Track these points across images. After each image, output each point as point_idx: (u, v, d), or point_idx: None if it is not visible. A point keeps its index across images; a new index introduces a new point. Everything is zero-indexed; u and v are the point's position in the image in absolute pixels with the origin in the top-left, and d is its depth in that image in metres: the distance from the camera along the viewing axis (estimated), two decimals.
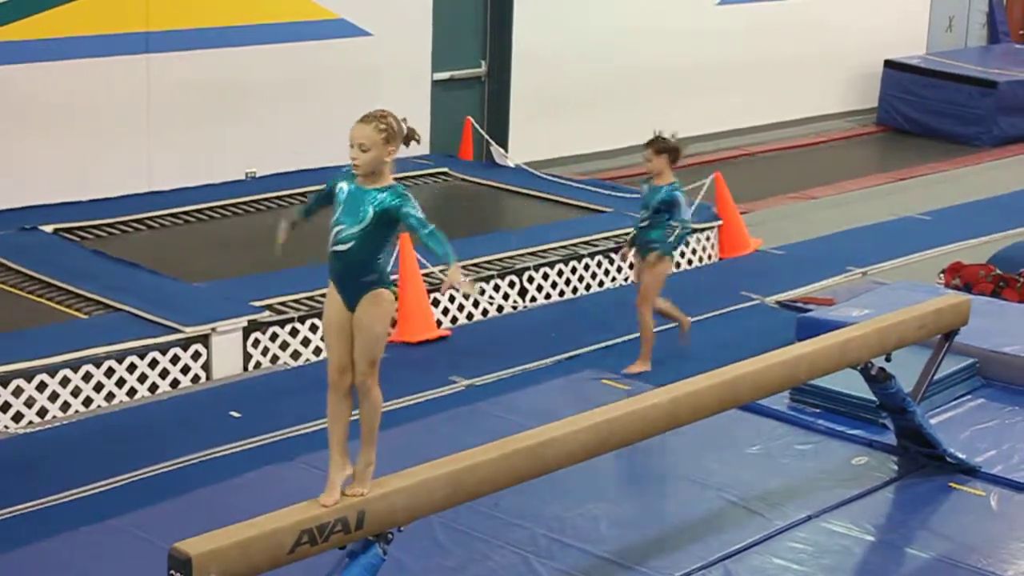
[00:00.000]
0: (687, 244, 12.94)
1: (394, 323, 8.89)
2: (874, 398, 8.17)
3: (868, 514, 7.66)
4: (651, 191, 9.80)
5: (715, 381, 6.98)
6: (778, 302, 11.70)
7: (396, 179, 12.60)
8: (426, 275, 10.83)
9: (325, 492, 5.59)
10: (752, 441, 8.53)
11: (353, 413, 5.85)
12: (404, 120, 5.75)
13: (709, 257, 13.22)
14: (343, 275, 5.65)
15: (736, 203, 13.57)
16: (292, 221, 6.07)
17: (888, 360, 7.78)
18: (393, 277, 10.27)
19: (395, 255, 8.32)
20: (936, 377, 8.46)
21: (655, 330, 9.95)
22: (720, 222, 13.31)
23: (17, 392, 8.84)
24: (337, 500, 5.57)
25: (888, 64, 20.12)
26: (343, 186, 5.68)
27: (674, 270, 12.16)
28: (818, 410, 8.89)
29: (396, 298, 5.79)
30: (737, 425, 8.61)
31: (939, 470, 8.18)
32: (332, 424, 5.81)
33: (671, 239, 9.74)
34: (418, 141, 5.89)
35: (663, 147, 9.78)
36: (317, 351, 10.11)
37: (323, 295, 5.71)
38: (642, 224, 9.85)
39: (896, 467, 8.27)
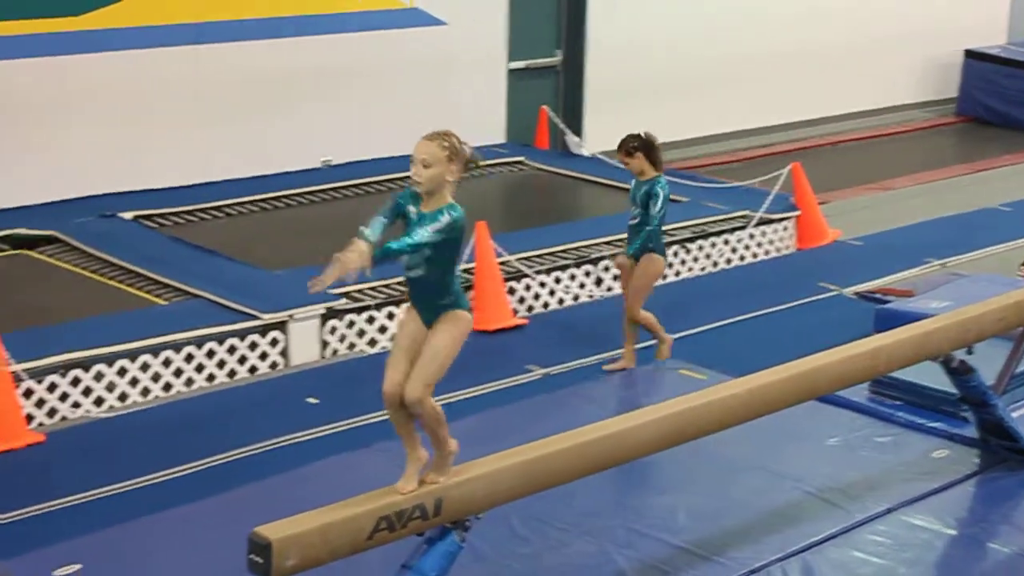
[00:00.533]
0: (764, 235, 12.88)
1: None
2: (955, 391, 8.08)
3: (949, 508, 7.57)
4: (636, 186, 9.58)
5: (793, 372, 6.93)
6: (856, 293, 11.61)
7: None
8: (502, 263, 10.84)
9: (402, 479, 5.60)
10: (831, 433, 8.46)
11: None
12: (467, 144, 5.69)
13: (787, 248, 13.14)
14: (419, 299, 5.70)
15: (814, 193, 13.47)
16: (370, 255, 5.73)
17: (970, 353, 7.70)
18: (464, 267, 10.41)
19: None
20: (1017, 370, 8.36)
21: (636, 346, 9.74)
22: (798, 212, 13.22)
23: (98, 377, 8.92)
24: (414, 488, 5.58)
25: (969, 54, 19.90)
26: (413, 210, 5.65)
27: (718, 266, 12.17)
28: (898, 402, 8.81)
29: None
30: (816, 417, 8.53)
31: (1021, 464, 8.08)
32: (398, 430, 5.78)
33: (641, 239, 9.48)
34: (478, 166, 5.82)
35: (632, 147, 9.43)
36: (394, 337, 10.13)
37: (399, 283, 5.72)
38: (632, 221, 9.63)
39: (977, 461, 8.17)
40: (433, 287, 5.62)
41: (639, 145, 9.40)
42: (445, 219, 5.52)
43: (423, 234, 5.50)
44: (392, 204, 5.73)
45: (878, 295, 11.40)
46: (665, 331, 9.71)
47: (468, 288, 10.60)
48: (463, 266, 10.57)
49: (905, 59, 19.79)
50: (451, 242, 5.60)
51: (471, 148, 5.70)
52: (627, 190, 13.73)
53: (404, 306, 5.77)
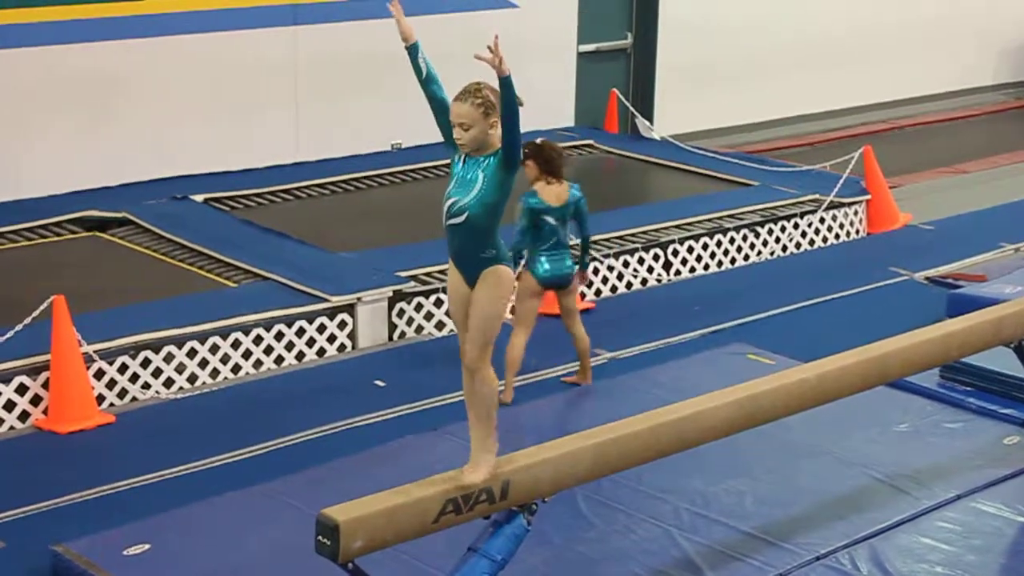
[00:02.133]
0: (834, 219, 12.79)
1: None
2: None
3: (1019, 495, 7.48)
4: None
5: (863, 357, 6.89)
6: (928, 278, 11.51)
7: None
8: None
9: (468, 466, 5.59)
10: (900, 419, 8.40)
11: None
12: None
13: (857, 232, 13.05)
14: (461, 250, 5.62)
15: (885, 177, 13.36)
16: (413, 41, 6.17)
17: None
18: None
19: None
20: None
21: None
22: (869, 196, 13.12)
23: (168, 358, 8.99)
24: (489, 474, 5.55)
25: None
26: (457, 158, 5.66)
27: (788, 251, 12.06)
28: (969, 388, 8.73)
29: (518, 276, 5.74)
30: (885, 402, 8.47)
31: None
32: (468, 400, 5.75)
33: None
34: (520, 105, 5.69)
35: (524, 153, 8.44)
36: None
37: None
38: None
39: None
40: (479, 235, 5.55)
41: (528, 152, 8.63)
42: None
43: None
44: (445, 104, 5.73)
45: (950, 280, 11.31)
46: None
47: None
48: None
49: (979, 41, 19.59)
50: (508, 184, 5.57)
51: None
52: (699, 174, 13.83)
53: (448, 267, 5.70)
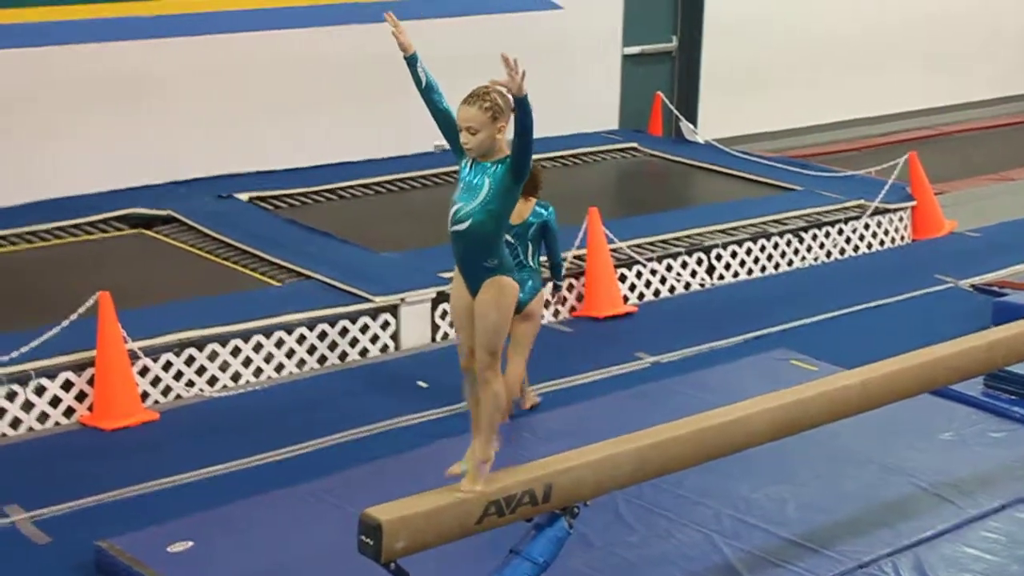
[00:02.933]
0: (879, 225, 12.75)
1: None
2: None
3: None
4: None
5: (908, 365, 6.87)
6: (973, 286, 11.45)
7: (587, 153, 12.63)
8: (613, 250, 10.81)
9: (466, 479, 5.52)
10: (944, 427, 8.36)
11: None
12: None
13: (902, 238, 12.99)
14: (464, 257, 5.58)
15: (931, 183, 13.30)
16: (411, 52, 6.20)
17: None
18: (576, 253, 10.39)
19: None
20: None
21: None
22: (914, 203, 13.07)
23: (212, 357, 9.03)
24: (482, 489, 5.47)
25: None
26: (465, 163, 5.60)
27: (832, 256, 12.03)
28: (1014, 397, 8.66)
29: (527, 288, 5.68)
30: (929, 410, 8.44)
31: None
32: (472, 408, 5.73)
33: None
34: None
35: None
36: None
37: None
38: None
39: None
40: (482, 244, 5.51)
41: None
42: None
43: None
44: (451, 114, 5.67)
45: (996, 287, 11.25)
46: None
47: (579, 274, 10.60)
48: (574, 252, 10.57)
49: None
50: (515, 193, 5.53)
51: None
52: (743, 178, 13.80)
53: (452, 274, 5.69)
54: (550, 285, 8.63)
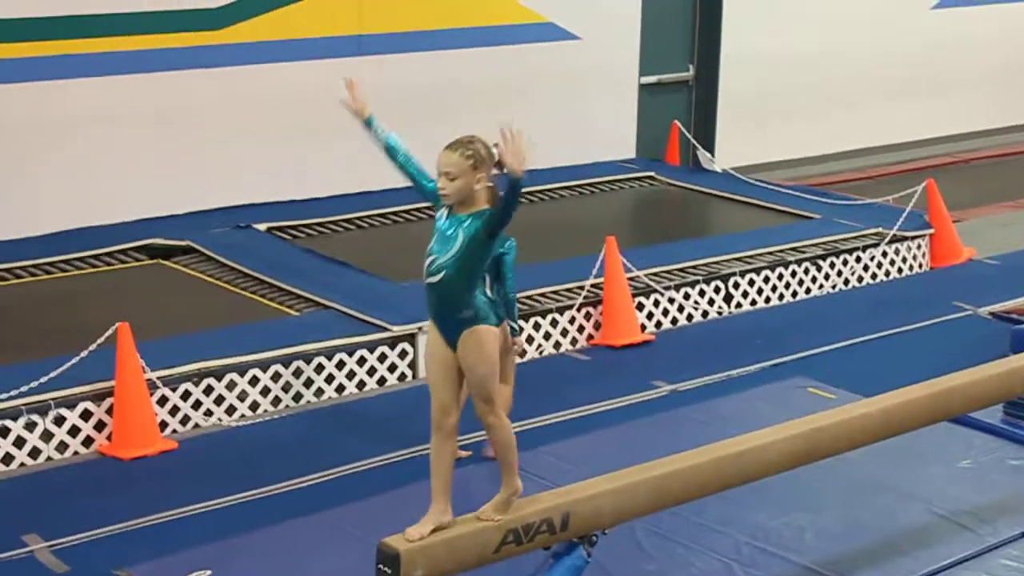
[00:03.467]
0: (897, 253, 12.74)
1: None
2: None
3: None
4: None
5: (926, 392, 6.88)
6: (992, 313, 11.42)
7: (604, 182, 12.65)
8: (631, 279, 10.82)
9: (418, 523, 5.46)
10: (963, 455, 8.36)
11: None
12: (495, 145, 5.50)
13: (920, 266, 12.97)
14: (439, 310, 5.53)
15: (949, 211, 13.27)
16: (369, 119, 6.18)
17: None
18: (594, 282, 10.40)
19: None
20: None
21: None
22: (932, 230, 13.04)
23: (231, 386, 9.05)
24: (423, 536, 5.38)
25: None
26: (442, 213, 5.55)
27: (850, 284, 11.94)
28: None
29: (501, 329, 5.56)
30: (947, 438, 8.43)
31: None
32: (436, 466, 5.62)
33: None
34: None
35: None
36: (522, 353, 10.16)
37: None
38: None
39: None
40: (455, 296, 5.46)
41: None
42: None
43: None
44: (426, 185, 5.67)
45: (1014, 315, 11.21)
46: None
47: (597, 303, 10.61)
48: (592, 280, 10.58)
49: None
50: (489, 248, 5.46)
51: (498, 148, 5.50)
52: (761, 207, 13.80)
53: (427, 324, 5.62)
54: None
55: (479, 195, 5.48)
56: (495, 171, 5.52)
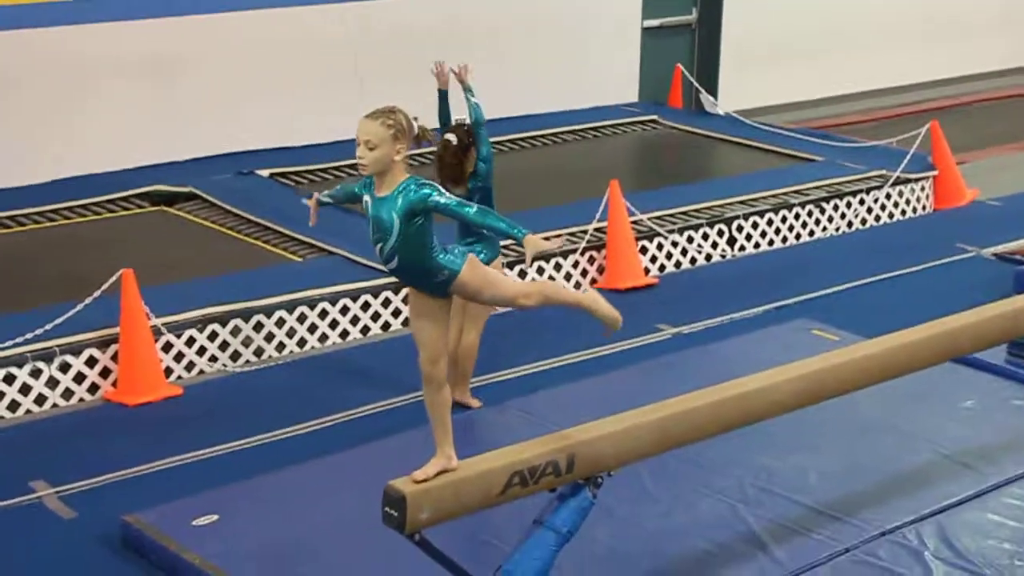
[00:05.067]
0: (900, 195, 12.74)
1: None
2: None
3: None
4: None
5: (930, 333, 6.87)
6: (995, 254, 11.44)
7: (607, 126, 12.55)
8: (634, 222, 10.83)
9: (424, 467, 5.41)
10: (967, 395, 8.35)
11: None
12: (416, 118, 5.38)
13: (924, 208, 12.98)
14: (413, 283, 5.46)
15: (952, 153, 13.27)
16: (320, 201, 5.91)
17: None
18: (598, 225, 10.40)
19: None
20: None
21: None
22: (936, 172, 13.05)
23: (235, 332, 9.08)
24: (429, 478, 5.35)
25: None
26: (367, 200, 5.39)
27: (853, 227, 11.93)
28: None
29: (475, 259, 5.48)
30: (951, 378, 8.43)
31: None
32: (434, 416, 5.56)
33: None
34: (430, 141, 5.50)
35: None
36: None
37: (547, 237, 5.52)
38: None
39: None
40: (419, 271, 5.38)
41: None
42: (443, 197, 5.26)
43: (441, 196, 5.25)
44: (354, 189, 5.56)
45: (1018, 256, 11.23)
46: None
47: (600, 247, 10.62)
48: (596, 224, 10.58)
49: None
50: (424, 219, 5.29)
51: (420, 122, 5.38)
52: (765, 150, 13.78)
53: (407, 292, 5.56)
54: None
55: (397, 167, 5.29)
56: (414, 144, 5.36)
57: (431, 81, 8.29)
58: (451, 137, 8.06)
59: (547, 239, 5.38)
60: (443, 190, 5.29)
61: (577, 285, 10.49)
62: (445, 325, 5.53)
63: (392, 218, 5.28)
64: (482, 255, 7.66)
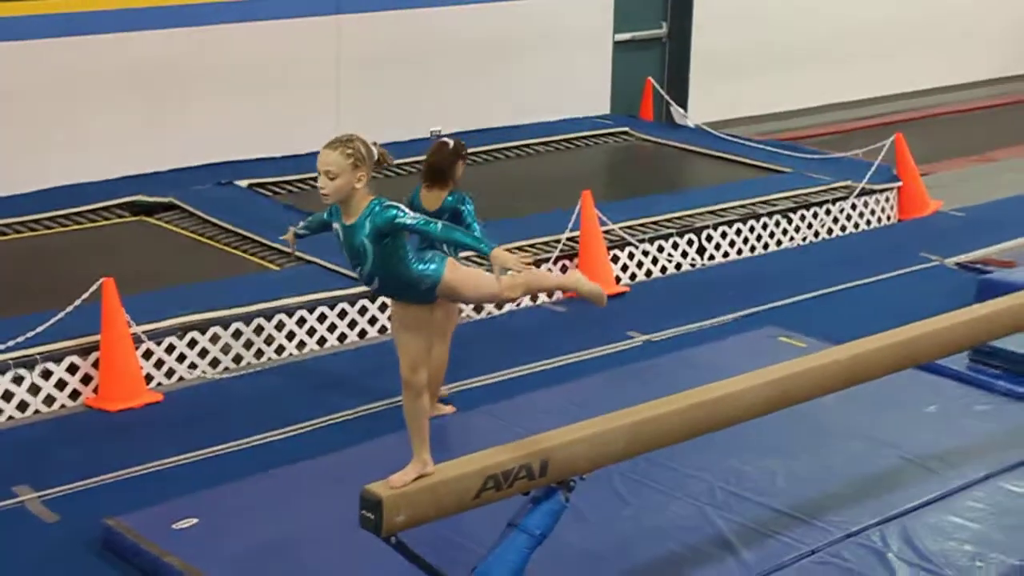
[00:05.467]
0: (866, 205, 12.90)
1: None
2: None
3: None
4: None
5: (895, 340, 6.94)
6: (958, 264, 11.59)
7: (579, 137, 12.63)
8: (606, 232, 10.96)
9: (401, 472, 5.50)
10: (930, 401, 8.47)
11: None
12: (375, 144, 5.47)
13: (888, 218, 13.14)
14: (400, 298, 5.55)
15: (916, 164, 13.41)
16: (297, 234, 6.11)
17: None
18: (570, 235, 10.51)
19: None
20: None
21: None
22: (900, 183, 13.21)
23: (214, 339, 9.18)
24: (406, 483, 5.43)
25: None
26: (337, 227, 5.46)
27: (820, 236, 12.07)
28: (998, 371, 8.79)
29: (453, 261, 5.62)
30: (915, 384, 8.54)
31: None
32: (411, 423, 5.67)
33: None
34: (390, 164, 5.58)
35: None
36: (499, 304, 10.33)
37: (507, 250, 5.58)
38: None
39: None
40: (401, 286, 5.46)
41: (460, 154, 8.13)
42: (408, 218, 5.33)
43: (405, 217, 5.32)
44: (324, 217, 5.68)
45: (980, 265, 11.38)
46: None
47: (573, 256, 10.75)
48: (568, 234, 10.72)
49: (1009, 30, 19.57)
50: (397, 236, 5.36)
51: (379, 147, 5.46)
52: (733, 161, 13.93)
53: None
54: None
55: (360, 193, 5.35)
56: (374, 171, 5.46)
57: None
58: (448, 141, 8.12)
59: (510, 251, 5.43)
60: (407, 210, 5.34)
61: (551, 293, 10.63)
62: (428, 333, 5.62)
63: (363, 243, 5.36)
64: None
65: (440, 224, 5.40)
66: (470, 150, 13.20)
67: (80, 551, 6.83)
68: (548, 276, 6.09)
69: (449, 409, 8.35)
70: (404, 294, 5.51)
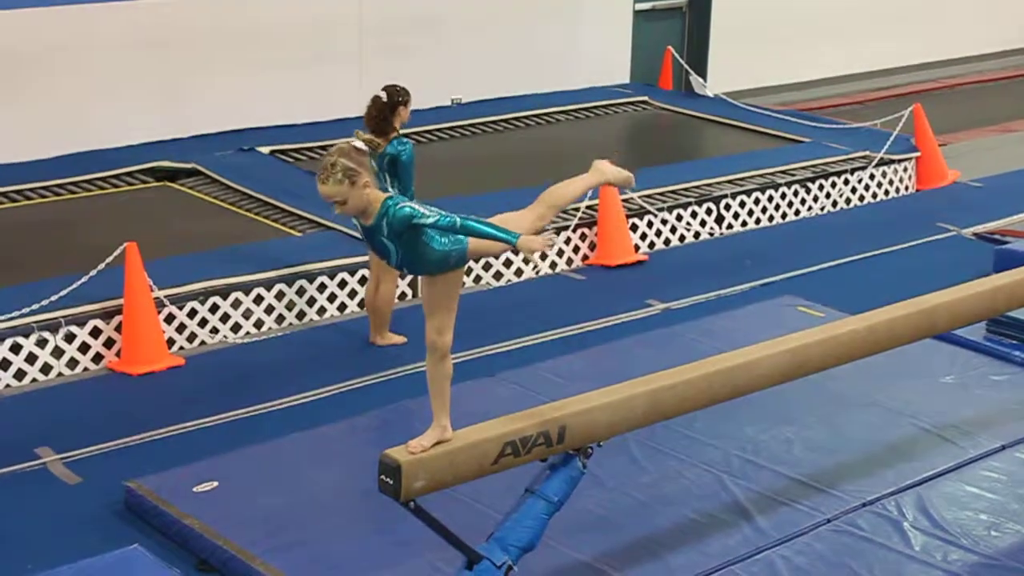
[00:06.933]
0: (884, 176, 12.91)
1: None
2: None
3: None
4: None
5: (912, 310, 6.93)
6: (975, 234, 11.61)
7: (598, 106, 12.60)
8: (625, 200, 10.99)
9: (420, 437, 5.49)
10: (947, 371, 8.51)
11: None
12: (356, 136, 5.42)
13: (906, 188, 13.15)
14: (432, 275, 5.53)
15: (935, 135, 13.42)
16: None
17: None
18: (589, 203, 10.53)
19: None
20: None
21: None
22: (918, 153, 13.21)
23: (236, 304, 9.25)
24: (425, 449, 5.44)
25: None
26: (358, 223, 5.49)
27: (838, 206, 12.10)
28: (1015, 342, 8.82)
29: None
30: (932, 354, 8.58)
31: None
32: (434, 387, 5.67)
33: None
34: (379, 147, 5.59)
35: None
36: (518, 272, 10.36)
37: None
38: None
39: None
40: (432, 269, 5.47)
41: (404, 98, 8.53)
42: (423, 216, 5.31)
43: (423, 216, 5.31)
44: None
45: (997, 236, 11.39)
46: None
47: (592, 224, 10.78)
48: (587, 202, 10.75)
49: None
50: (417, 229, 5.36)
51: (362, 135, 5.43)
52: (752, 131, 13.93)
53: None
54: None
55: (371, 197, 5.33)
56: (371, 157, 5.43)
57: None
58: (381, 94, 8.46)
59: (542, 237, 5.50)
60: (421, 208, 5.34)
61: (570, 261, 10.67)
62: (456, 297, 5.61)
63: (384, 242, 5.40)
64: None
65: (459, 219, 5.41)
66: (488, 119, 13.40)
67: (102, 513, 6.91)
68: (572, 186, 6.02)
69: (400, 339, 8.83)
70: (437, 269, 5.52)
